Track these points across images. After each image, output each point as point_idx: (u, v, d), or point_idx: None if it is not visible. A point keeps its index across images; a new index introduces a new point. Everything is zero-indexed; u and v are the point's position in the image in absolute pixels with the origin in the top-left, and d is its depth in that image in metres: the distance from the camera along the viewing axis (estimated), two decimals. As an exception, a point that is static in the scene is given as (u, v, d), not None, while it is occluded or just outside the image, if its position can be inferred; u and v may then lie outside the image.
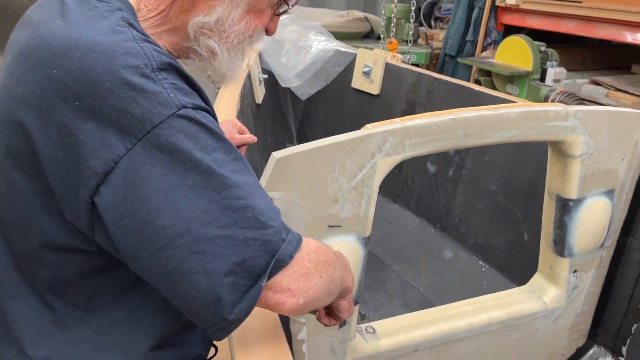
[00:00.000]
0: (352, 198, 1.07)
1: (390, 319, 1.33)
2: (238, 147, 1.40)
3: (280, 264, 0.62)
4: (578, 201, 1.28)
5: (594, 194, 1.30)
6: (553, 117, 1.18)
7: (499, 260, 1.84)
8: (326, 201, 1.06)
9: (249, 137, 1.39)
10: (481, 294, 1.41)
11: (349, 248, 1.11)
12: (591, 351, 1.51)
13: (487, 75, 3.32)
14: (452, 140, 1.12)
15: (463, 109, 1.13)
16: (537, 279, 1.44)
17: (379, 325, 1.30)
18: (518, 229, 1.76)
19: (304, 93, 2.46)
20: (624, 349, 1.46)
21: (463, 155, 1.99)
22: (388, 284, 2.02)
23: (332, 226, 1.09)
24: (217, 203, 0.60)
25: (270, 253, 0.61)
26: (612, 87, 2.94)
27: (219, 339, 0.64)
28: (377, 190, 1.09)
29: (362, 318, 1.85)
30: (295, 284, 0.64)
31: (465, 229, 1.97)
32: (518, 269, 1.74)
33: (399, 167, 2.29)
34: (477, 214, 1.93)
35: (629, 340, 1.45)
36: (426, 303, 1.89)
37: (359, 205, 1.09)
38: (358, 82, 2.48)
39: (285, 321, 1.14)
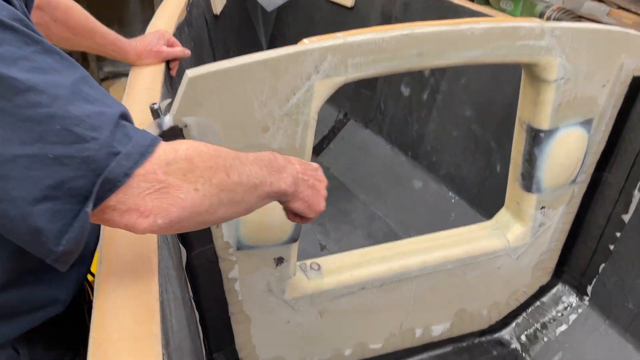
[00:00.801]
0: (285, 126, 0.96)
1: (338, 255, 1.27)
2: (167, 61, 1.25)
3: (112, 184, 0.51)
4: (550, 132, 1.17)
5: (568, 124, 1.18)
6: (525, 34, 1.03)
7: (470, 192, 1.76)
8: (253, 130, 0.94)
9: (180, 51, 1.25)
10: (449, 227, 1.35)
11: None
12: (555, 289, 1.47)
13: (481, -12, 3.06)
14: (404, 60, 0.98)
15: (418, 23, 0.98)
16: (502, 215, 1.37)
17: (324, 261, 1.24)
18: (490, 159, 1.67)
19: (271, 3, 2.25)
20: (589, 288, 1.41)
21: (438, 77, 1.85)
22: (353, 214, 1.96)
23: (262, 157, 0.97)
24: (11, 114, 0.47)
25: (95, 172, 0.50)
26: (616, 4, 2.72)
27: (63, 269, 0.55)
28: (316, 117, 0.98)
29: (322, 249, 1.80)
30: (148, 203, 0.53)
31: (437, 158, 1.88)
32: (488, 202, 1.67)
33: (373, 89, 2.15)
34: (450, 142, 1.83)
35: (595, 279, 1.40)
36: (391, 235, 1.84)
37: (294, 134, 0.97)
38: (331, -8, 2.27)
39: (214, 259, 1.07)
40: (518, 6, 2.83)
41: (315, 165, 0.82)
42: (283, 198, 0.74)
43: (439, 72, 1.85)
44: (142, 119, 0.99)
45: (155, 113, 0.90)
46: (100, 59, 3.75)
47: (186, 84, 0.86)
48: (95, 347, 0.56)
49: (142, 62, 1.20)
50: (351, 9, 2.19)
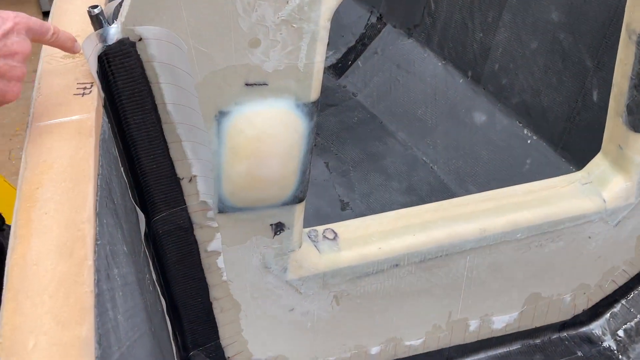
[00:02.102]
0: (283, 38, 0.92)
1: (362, 219, 1.26)
2: None
3: None
4: (672, 45, 1.11)
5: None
6: None
7: (553, 130, 1.72)
8: (238, 43, 0.91)
9: None
10: (522, 180, 1.33)
11: (281, 120, 0.99)
12: (669, 269, 1.44)
13: None
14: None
15: None
16: (597, 164, 1.34)
17: (343, 228, 1.23)
18: (584, 84, 1.61)
19: None
20: None
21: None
22: (388, 159, 1.93)
23: (251, 84, 0.95)
24: None
25: None
26: None
27: None
28: (328, 25, 0.93)
29: (343, 209, 1.79)
30: None
31: (508, 81, 1.83)
32: (578, 144, 1.63)
33: (419, -20, 2.08)
34: (527, 59, 1.77)
35: None
36: (440, 189, 1.82)
37: (297, 50, 0.93)
38: None
39: (187, 226, 1.06)
40: None
41: (5, 25, 0.77)
42: None
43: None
44: (80, 29, 0.96)
45: (96, 19, 0.87)
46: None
47: (139, -22, 0.82)
48: (6, 353, 0.55)
49: None
50: None
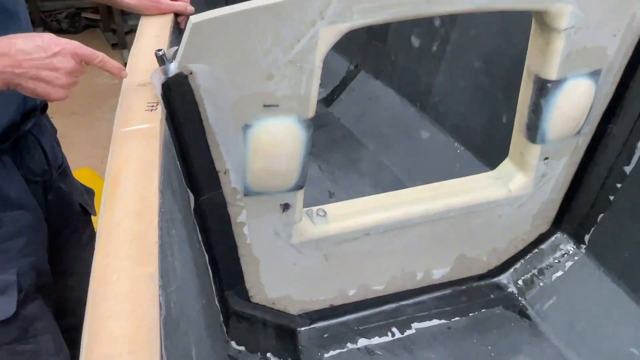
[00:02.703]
0: (289, 74, 0.91)
1: (344, 203, 1.24)
2: (177, 15, 1.20)
3: None
4: (557, 82, 1.10)
5: (576, 74, 1.11)
6: (537, -20, 0.95)
7: (475, 143, 1.71)
8: (258, 77, 0.90)
9: (181, 5, 1.19)
10: (453, 177, 1.31)
11: (289, 131, 0.98)
12: (553, 237, 1.44)
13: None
14: (412, 6, 0.91)
15: (426, -33, 0.90)
16: (505, 165, 1.32)
17: (330, 208, 1.22)
18: (497, 110, 1.60)
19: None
20: (586, 237, 1.38)
21: (448, 28, 1.76)
22: (362, 163, 1.92)
23: (267, 105, 0.94)
24: None
25: None
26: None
27: None
28: (321, 65, 0.92)
29: (331, 196, 1.78)
30: None
31: (444, 109, 1.82)
32: (492, 152, 1.61)
33: (383, 40, 2.06)
34: (457, 93, 1.76)
35: (593, 228, 1.36)
36: (397, 183, 1.80)
37: (299, 82, 0.92)
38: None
39: (222, 204, 1.05)
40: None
41: (54, 48, 0.73)
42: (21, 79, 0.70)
43: (450, 23, 1.75)
44: (149, 66, 0.95)
45: (161, 59, 0.86)
46: (124, 14, 3.71)
47: (190, 29, 0.82)
48: (96, 285, 0.54)
49: (145, 12, 1.16)
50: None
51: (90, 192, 1.18)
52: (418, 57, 1.90)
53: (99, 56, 0.81)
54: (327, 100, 2.21)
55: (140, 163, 0.71)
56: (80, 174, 2.29)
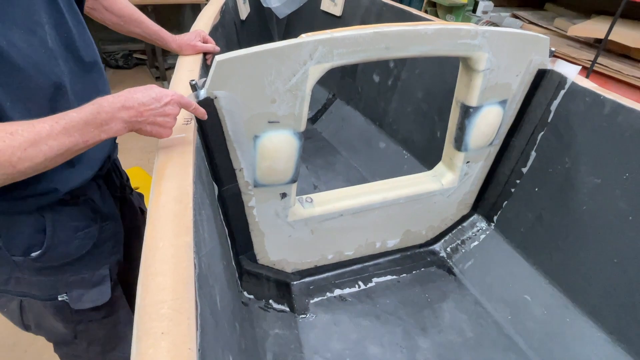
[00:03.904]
0: (287, 99, 0.89)
1: (325, 192, 1.23)
2: (205, 54, 1.17)
3: None
4: (477, 108, 1.11)
5: (490, 102, 1.12)
6: (464, 35, 0.96)
7: (418, 151, 1.71)
8: (265, 101, 0.88)
9: (211, 46, 1.16)
10: (402, 175, 1.31)
11: (286, 140, 0.97)
12: (472, 217, 1.45)
13: (433, 6, 2.90)
14: (376, 51, 0.91)
15: (387, 24, 0.90)
16: (439, 167, 1.33)
17: (315, 196, 1.20)
18: (433, 128, 1.61)
19: (282, 12, 2.11)
20: (495, 218, 1.39)
21: (400, 68, 1.75)
22: (337, 165, 1.91)
23: (271, 122, 0.92)
24: None
25: None
26: (527, 20, 2.58)
27: None
28: (310, 93, 0.91)
29: (315, 188, 1.77)
30: None
31: (396, 127, 1.81)
32: (430, 158, 1.63)
33: (353, 77, 2.05)
34: (405, 116, 1.76)
35: (499, 211, 1.38)
36: (362, 179, 1.80)
37: (294, 105, 0.91)
38: (325, 5, 2.13)
39: (238, 193, 1.03)
40: (459, 19, 2.69)
41: (165, 99, 0.68)
42: (119, 134, 0.63)
43: (400, 64, 1.75)
44: (184, 92, 0.94)
45: (194, 87, 0.84)
46: (165, 53, 3.62)
47: (215, 65, 0.80)
48: (147, 250, 0.53)
49: (183, 53, 1.13)
50: (340, 17, 2.06)
51: (141, 196, 1.14)
52: (378, 90, 1.89)
53: (193, 105, 0.75)
54: (312, 119, 2.19)
55: (178, 162, 0.70)
56: (133, 171, 2.24)
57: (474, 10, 2.64)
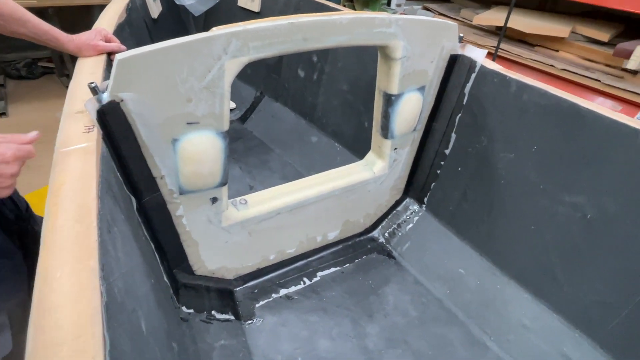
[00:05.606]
0: (205, 97, 0.83)
1: (259, 192, 1.18)
2: (109, 54, 1.05)
3: None
4: (398, 96, 1.14)
5: (410, 90, 1.15)
6: (379, 23, 0.96)
7: (348, 142, 1.73)
8: (180, 101, 0.81)
9: (115, 46, 1.04)
10: (335, 167, 1.30)
11: (209, 141, 0.90)
12: (405, 202, 1.50)
13: (350, 1, 2.95)
14: (293, 43, 0.88)
15: (301, 14, 0.87)
16: (369, 156, 1.34)
17: (249, 197, 1.15)
18: (361, 118, 1.63)
19: (197, 10, 1.99)
20: (425, 199, 1.45)
21: (323, 62, 1.75)
22: (271, 163, 1.86)
23: (190, 123, 0.85)
24: None
25: None
26: (437, 11, 2.74)
27: None
28: (229, 90, 0.85)
29: (251, 189, 1.70)
30: None
31: (326, 120, 1.81)
32: (361, 148, 1.65)
33: (279, 73, 2.01)
34: (333, 109, 1.76)
35: (429, 193, 1.44)
36: (298, 175, 1.77)
37: (213, 103, 0.85)
38: (243, 1, 2.05)
39: (162, 203, 0.94)
40: (375, 11, 2.77)
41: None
42: None
43: (323, 58, 1.75)
44: (84, 97, 0.82)
45: (94, 90, 0.75)
46: (75, 59, 3.24)
47: (117, 64, 0.71)
48: (40, 283, 0.44)
49: (83, 54, 1.00)
50: (258, 13, 2.00)
51: None
52: (304, 85, 1.87)
53: (32, 151, 0.65)
54: (242, 119, 2.11)
55: (78, 176, 0.61)
56: (43, 191, 1.98)
57: (389, 4, 2.74)
